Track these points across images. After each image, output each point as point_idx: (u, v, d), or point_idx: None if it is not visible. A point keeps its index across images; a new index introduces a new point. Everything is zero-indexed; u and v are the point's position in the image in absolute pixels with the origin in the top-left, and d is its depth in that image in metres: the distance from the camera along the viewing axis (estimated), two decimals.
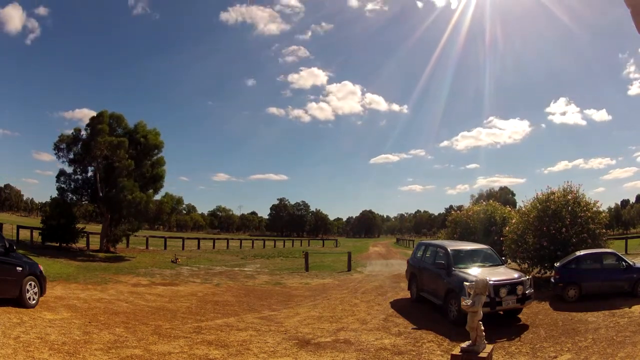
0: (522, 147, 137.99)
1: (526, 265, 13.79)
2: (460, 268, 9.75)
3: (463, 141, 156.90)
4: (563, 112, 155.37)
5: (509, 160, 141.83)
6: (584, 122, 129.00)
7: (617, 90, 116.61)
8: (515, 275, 9.34)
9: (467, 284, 7.43)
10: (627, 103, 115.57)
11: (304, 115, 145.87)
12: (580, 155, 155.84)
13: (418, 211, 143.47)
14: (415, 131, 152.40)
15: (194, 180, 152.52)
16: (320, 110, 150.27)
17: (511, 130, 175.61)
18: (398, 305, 11.52)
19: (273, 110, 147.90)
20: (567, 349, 6.99)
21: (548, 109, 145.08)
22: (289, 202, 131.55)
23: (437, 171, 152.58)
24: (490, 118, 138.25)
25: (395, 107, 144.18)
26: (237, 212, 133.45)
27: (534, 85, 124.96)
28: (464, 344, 6.14)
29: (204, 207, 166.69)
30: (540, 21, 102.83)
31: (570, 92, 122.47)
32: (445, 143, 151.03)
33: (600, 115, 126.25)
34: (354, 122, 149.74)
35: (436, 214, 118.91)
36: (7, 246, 8.48)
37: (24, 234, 23.21)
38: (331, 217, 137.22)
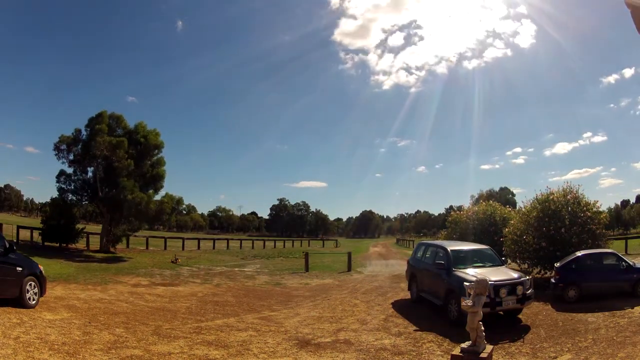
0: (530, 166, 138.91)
1: (526, 266, 13.80)
2: (460, 268, 9.73)
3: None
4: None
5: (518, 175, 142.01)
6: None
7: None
8: (515, 275, 9.33)
9: (467, 284, 7.43)
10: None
11: None
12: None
13: (418, 211, 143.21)
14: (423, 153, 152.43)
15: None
16: None
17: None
18: (398, 306, 11.51)
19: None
20: (567, 349, 6.98)
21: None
22: (289, 202, 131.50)
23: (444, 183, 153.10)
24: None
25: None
26: (237, 213, 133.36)
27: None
28: (464, 344, 6.15)
29: (203, 207, 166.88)
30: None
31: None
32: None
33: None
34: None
35: (436, 214, 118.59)
36: (7, 246, 8.47)
37: (24, 234, 23.21)
38: (331, 217, 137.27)
